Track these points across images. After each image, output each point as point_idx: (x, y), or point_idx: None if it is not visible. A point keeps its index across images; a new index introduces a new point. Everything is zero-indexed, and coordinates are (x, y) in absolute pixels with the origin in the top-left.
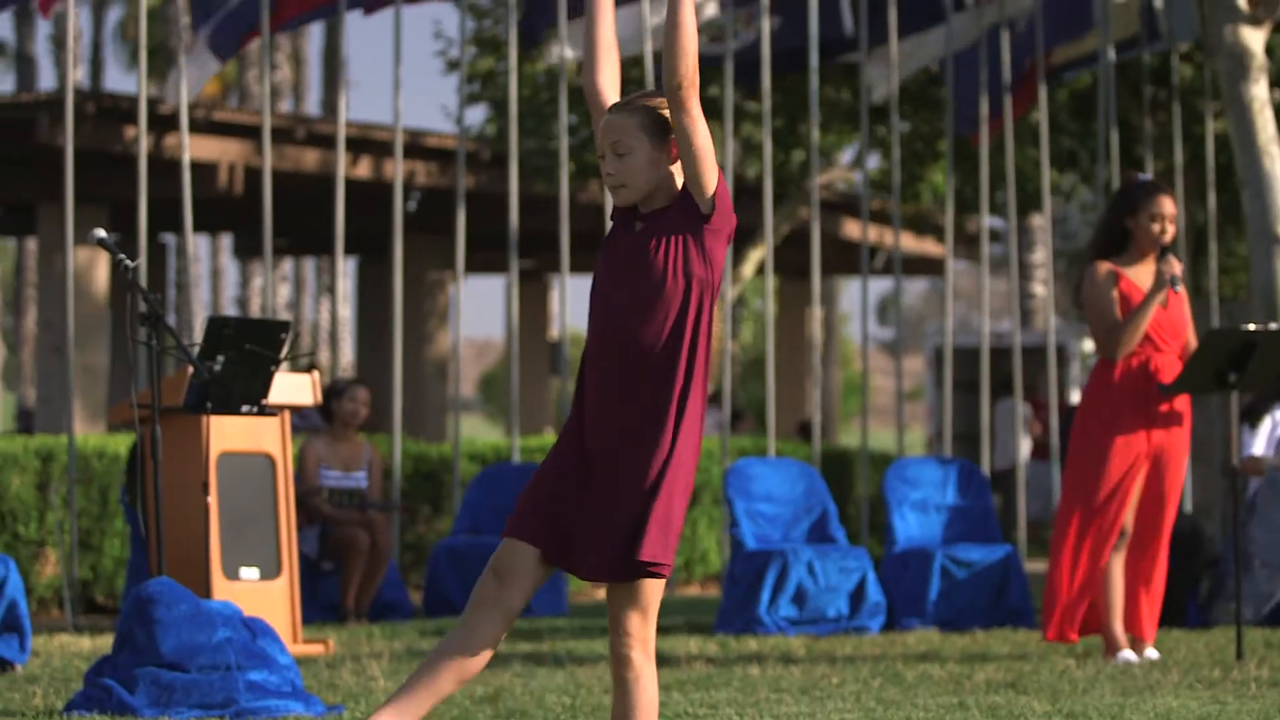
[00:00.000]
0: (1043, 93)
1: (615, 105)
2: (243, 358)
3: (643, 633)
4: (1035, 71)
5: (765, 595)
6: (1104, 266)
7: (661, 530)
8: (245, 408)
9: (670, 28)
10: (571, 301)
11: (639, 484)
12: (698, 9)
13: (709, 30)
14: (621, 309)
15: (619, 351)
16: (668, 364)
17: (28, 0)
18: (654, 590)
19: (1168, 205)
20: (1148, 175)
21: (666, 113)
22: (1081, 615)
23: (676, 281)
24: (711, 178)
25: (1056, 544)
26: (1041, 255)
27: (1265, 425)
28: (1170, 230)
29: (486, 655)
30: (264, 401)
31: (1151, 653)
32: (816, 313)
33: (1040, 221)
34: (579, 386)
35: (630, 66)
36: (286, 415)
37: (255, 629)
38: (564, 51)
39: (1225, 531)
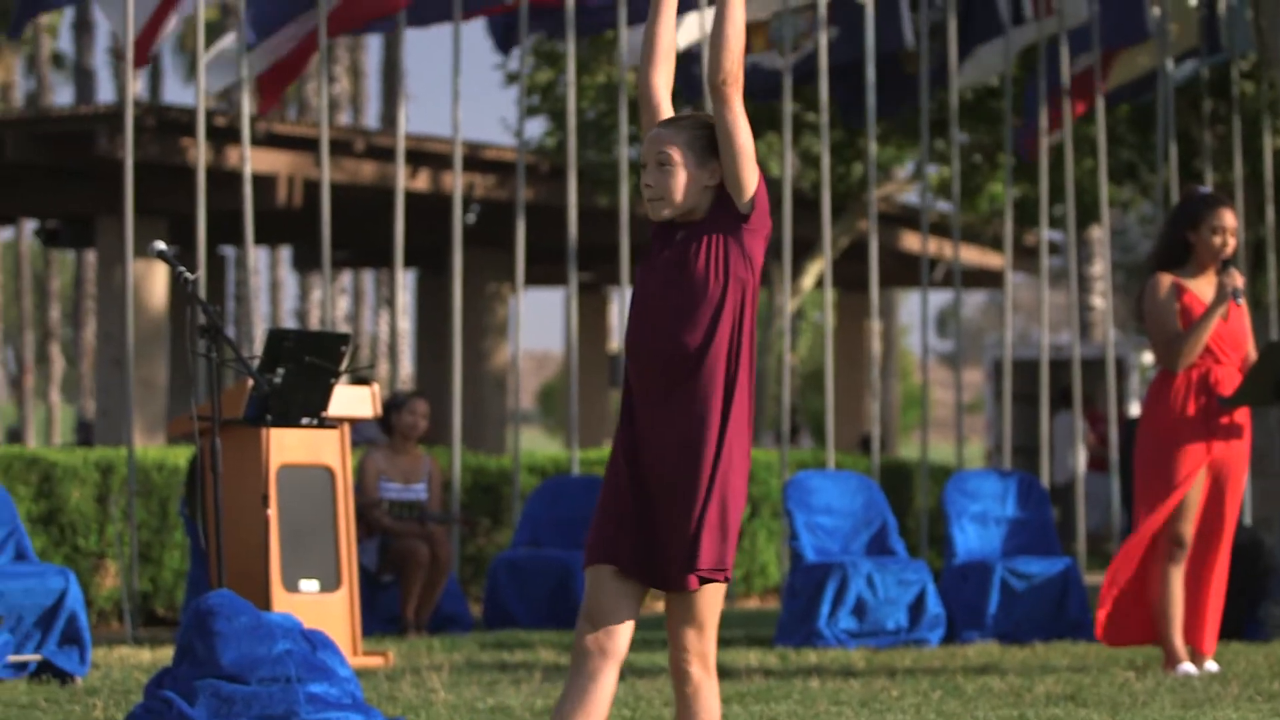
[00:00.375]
0: (1100, 106)
1: (666, 120)
2: (302, 370)
3: (701, 647)
4: (1092, 79)
5: (825, 608)
6: (1165, 279)
7: (717, 536)
8: (305, 420)
9: (718, 22)
10: None
11: (692, 491)
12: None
13: (773, 36)
14: (664, 315)
15: (663, 359)
16: (712, 367)
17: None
18: (712, 603)
19: (1229, 218)
20: (1208, 188)
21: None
22: (1135, 623)
23: (718, 282)
24: (752, 178)
25: (1124, 549)
26: (1100, 268)
27: None
28: (1231, 243)
29: (607, 706)
30: (324, 414)
31: (1211, 665)
32: (875, 325)
33: (1099, 234)
34: (624, 402)
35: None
36: (346, 428)
37: (315, 641)
38: (624, 59)
39: None
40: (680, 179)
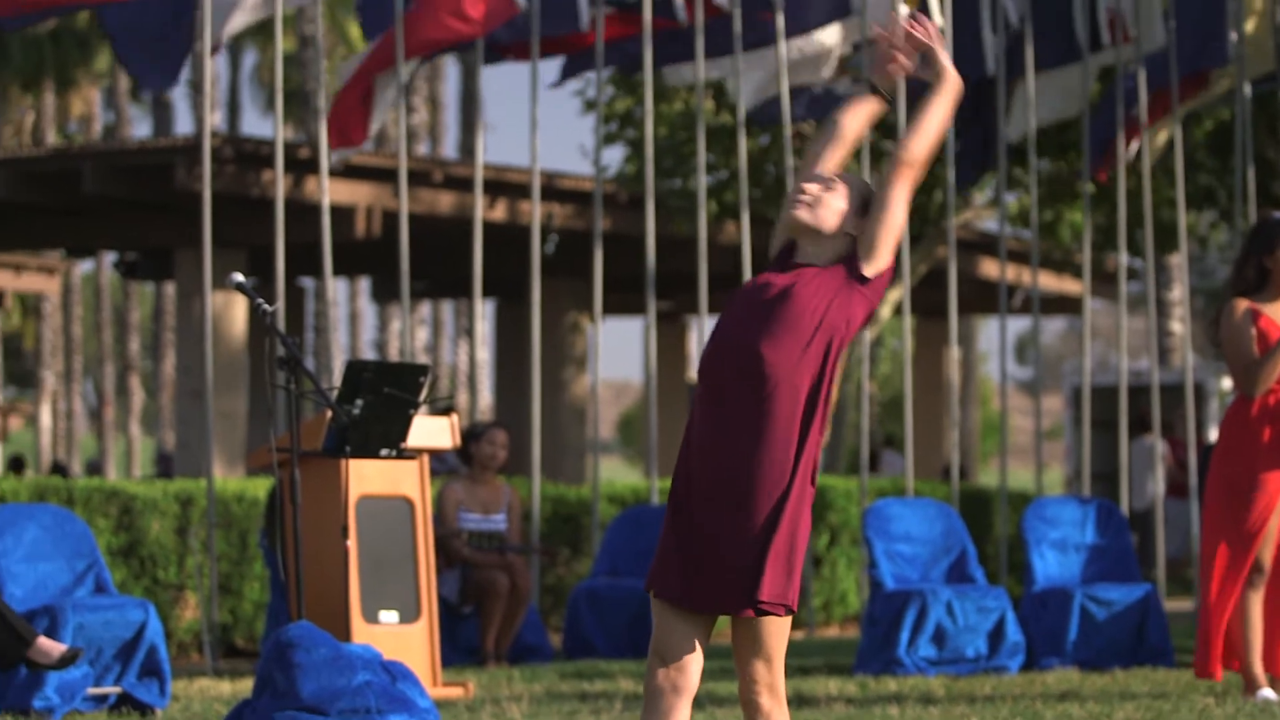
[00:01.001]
0: (1178, 130)
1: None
2: (381, 401)
3: (769, 677)
4: (1169, 102)
5: (904, 635)
6: (1242, 304)
7: (783, 570)
8: (384, 451)
9: (926, 106)
10: None
11: (759, 520)
12: (825, 52)
13: (851, 72)
14: (755, 334)
15: (744, 376)
16: (792, 399)
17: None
18: (778, 634)
19: None
20: None
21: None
22: (1222, 651)
23: (813, 320)
24: (888, 253)
25: (1205, 582)
26: (1179, 293)
27: None
28: None
29: None
30: (403, 445)
31: None
32: (954, 353)
33: (1178, 259)
34: (690, 427)
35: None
36: (425, 458)
37: (395, 672)
38: (700, 84)
39: None
40: (837, 205)
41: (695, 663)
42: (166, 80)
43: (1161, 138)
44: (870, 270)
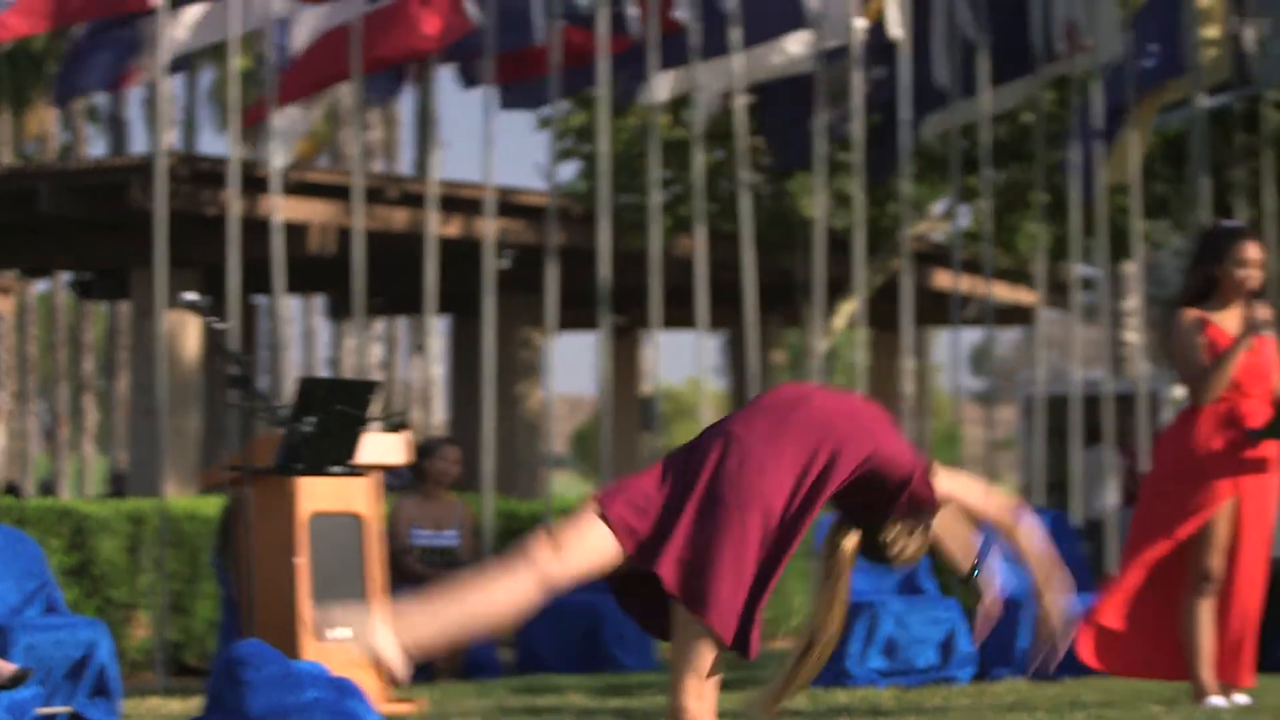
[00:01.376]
0: (1134, 139)
1: None
2: (333, 418)
3: (697, 687)
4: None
5: (855, 647)
6: (1190, 313)
7: (740, 612)
8: (335, 468)
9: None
10: (663, 357)
11: (756, 553)
12: (783, 52)
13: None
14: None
15: (815, 439)
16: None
17: (115, 81)
18: (712, 657)
19: (1253, 251)
20: (1234, 222)
21: None
22: (1139, 654)
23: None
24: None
25: (1123, 578)
26: (1134, 302)
27: None
28: (1256, 276)
29: (502, 616)
30: (353, 461)
31: (1240, 697)
32: (908, 364)
33: (1133, 269)
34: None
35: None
36: (377, 475)
37: (343, 689)
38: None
39: None
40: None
41: (575, 563)
42: (96, 85)
43: (1134, 150)
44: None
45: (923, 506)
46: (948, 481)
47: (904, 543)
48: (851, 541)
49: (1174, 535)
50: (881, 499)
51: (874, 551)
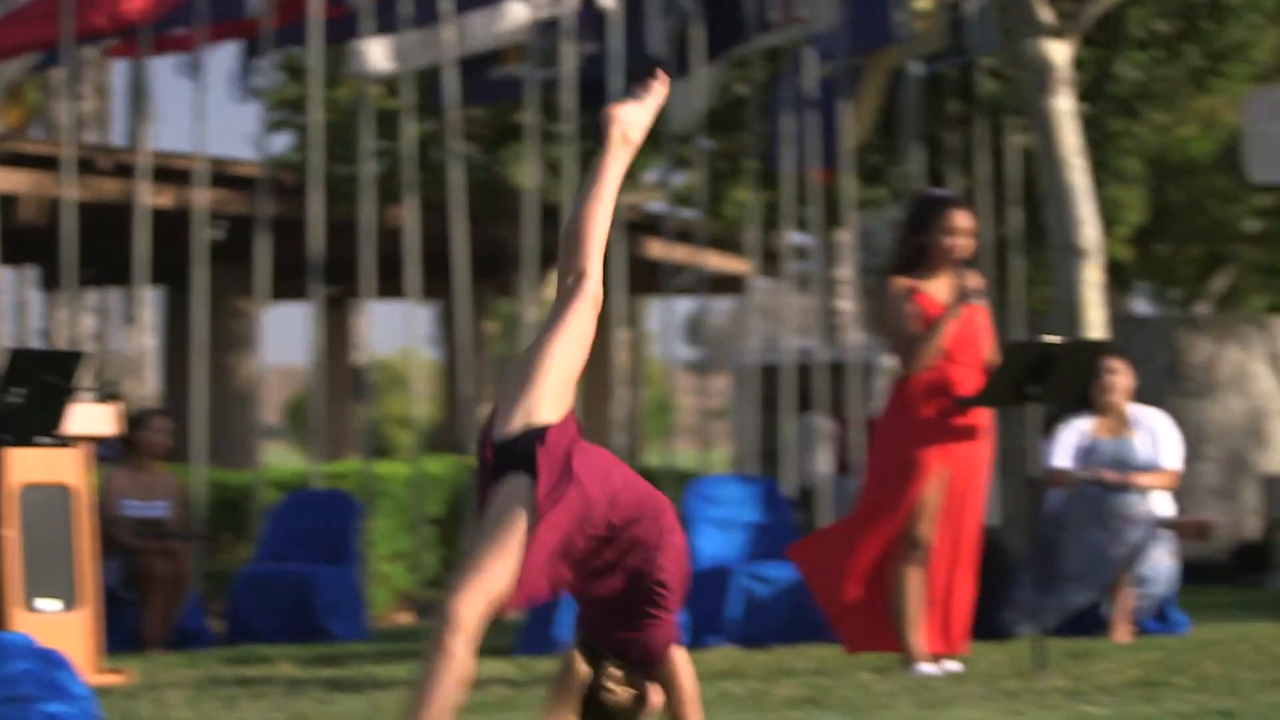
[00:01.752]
0: (847, 108)
1: None
2: (41, 389)
3: (470, 592)
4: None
5: (563, 614)
6: (900, 282)
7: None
8: (41, 439)
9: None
10: (375, 327)
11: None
12: (509, 23)
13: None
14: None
15: None
16: None
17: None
18: (501, 568)
19: (962, 220)
20: (943, 190)
21: None
22: (879, 629)
23: None
24: None
25: (844, 555)
26: (847, 271)
27: (1067, 436)
28: (965, 244)
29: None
30: (59, 432)
31: (952, 665)
32: (619, 334)
33: (846, 237)
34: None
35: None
36: (86, 446)
37: (51, 660)
38: (367, 70)
39: (1028, 543)
40: None
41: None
42: None
43: (865, 115)
44: None
45: (647, 661)
46: (679, 660)
47: (616, 689)
48: (584, 668)
49: (897, 508)
50: (625, 613)
51: (590, 695)
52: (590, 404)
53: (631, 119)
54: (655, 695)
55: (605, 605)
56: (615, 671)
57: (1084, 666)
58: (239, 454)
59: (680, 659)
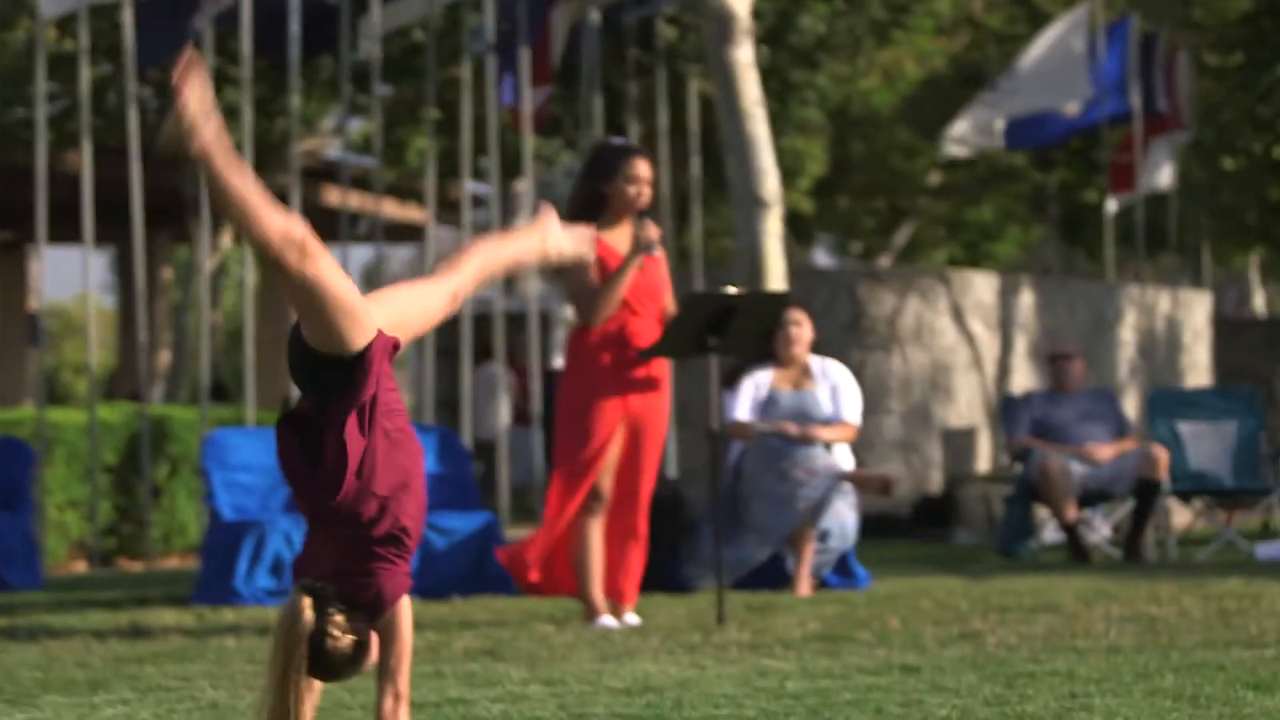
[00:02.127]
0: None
1: None
2: None
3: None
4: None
5: (242, 566)
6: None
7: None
8: None
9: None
10: (50, 273)
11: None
12: None
13: None
14: None
15: None
16: None
17: None
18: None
19: (643, 168)
20: (623, 139)
21: None
22: (556, 572)
23: None
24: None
25: (548, 508)
26: (525, 221)
27: (747, 389)
28: (646, 193)
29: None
30: None
31: (631, 618)
32: None
33: (524, 187)
34: None
35: None
36: None
37: None
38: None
39: (709, 496)
40: None
41: None
42: None
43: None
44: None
45: (378, 606)
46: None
47: (341, 636)
48: (308, 615)
49: (578, 457)
50: (361, 555)
51: (314, 643)
52: (267, 353)
53: (557, 240)
54: (376, 645)
55: (348, 541)
56: (339, 618)
57: (765, 620)
58: None
59: (405, 607)
